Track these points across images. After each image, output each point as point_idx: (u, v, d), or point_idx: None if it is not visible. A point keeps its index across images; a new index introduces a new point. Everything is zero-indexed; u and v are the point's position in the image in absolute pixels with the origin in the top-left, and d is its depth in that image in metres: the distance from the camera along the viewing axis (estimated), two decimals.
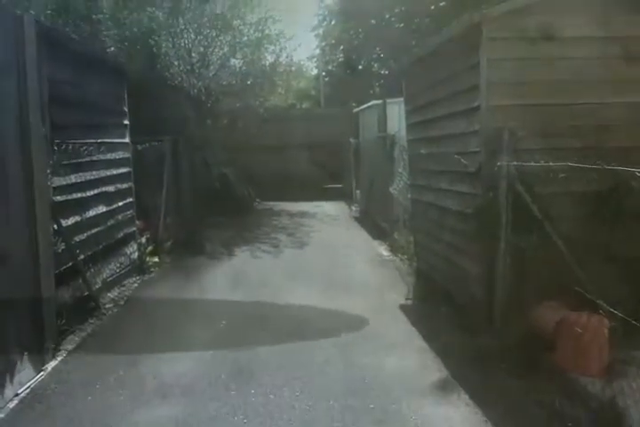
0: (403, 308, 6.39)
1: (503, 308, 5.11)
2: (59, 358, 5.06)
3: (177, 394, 4.39)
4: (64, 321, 5.42)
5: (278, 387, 4.45)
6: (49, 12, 10.81)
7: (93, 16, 11.91)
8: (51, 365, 4.92)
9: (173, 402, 4.27)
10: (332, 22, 22.88)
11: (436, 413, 4.09)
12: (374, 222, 11.76)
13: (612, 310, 3.92)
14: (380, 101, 11.94)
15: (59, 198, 5.65)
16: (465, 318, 5.68)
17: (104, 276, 6.80)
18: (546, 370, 4.42)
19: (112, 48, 12.53)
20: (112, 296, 6.82)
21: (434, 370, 4.73)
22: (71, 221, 5.98)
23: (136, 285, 7.59)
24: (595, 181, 4.63)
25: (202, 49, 14.09)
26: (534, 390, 4.22)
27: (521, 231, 5.01)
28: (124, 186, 7.81)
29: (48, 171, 5.33)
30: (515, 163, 4.99)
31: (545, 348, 4.56)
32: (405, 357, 5.05)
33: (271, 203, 16.67)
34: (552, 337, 4.56)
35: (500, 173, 5.05)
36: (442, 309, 6.13)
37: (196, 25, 13.75)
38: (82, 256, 6.13)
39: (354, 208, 15.16)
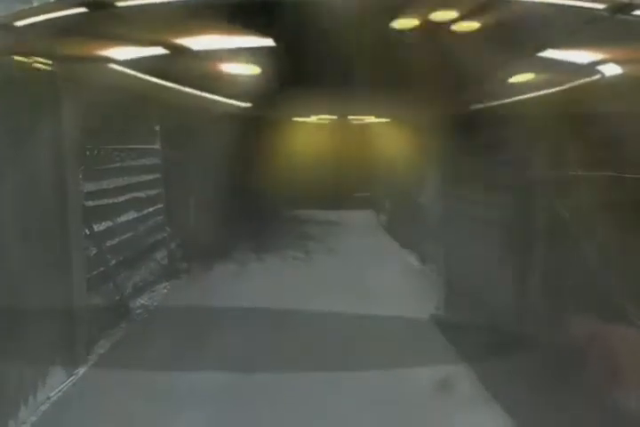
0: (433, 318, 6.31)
1: (536, 319, 5.01)
2: (90, 363, 5.09)
3: (206, 400, 4.37)
4: (95, 326, 5.45)
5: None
6: None
7: None
8: (82, 369, 4.94)
9: (202, 407, 4.25)
10: None
11: None
12: (404, 231, 11.65)
13: None
14: None
15: (90, 204, 5.71)
16: (496, 330, 5.56)
17: (134, 281, 6.84)
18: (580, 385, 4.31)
19: None
20: (142, 302, 6.85)
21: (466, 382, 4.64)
22: (103, 226, 6.03)
23: (165, 290, 7.61)
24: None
25: None
26: (566, 405, 4.11)
27: (555, 242, 4.92)
28: (154, 192, 7.87)
29: (80, 176, 5.39)
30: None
31: (578, 361, 4.45)
32: (439, 372, 4.96)
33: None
34: (586, 351, 4.44)
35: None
36: (473, 320, 6.02)
37: None
38: (113, 261, 6.18)
39: (382, 217, 15.06)
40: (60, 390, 4.51)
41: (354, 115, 9.59)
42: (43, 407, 4.26)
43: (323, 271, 9.04)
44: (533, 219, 5.03)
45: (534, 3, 1.93)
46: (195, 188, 9.87)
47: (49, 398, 4.38)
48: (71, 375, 4.78)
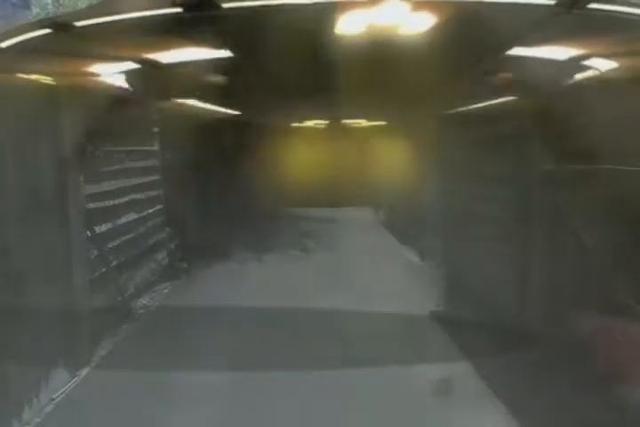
0: (434, 314, 6.34)
1: (537, 315, 5.03)
2: (92, 364, 5.11)
3: (207, 400, 4.40)
4: (97, 327, 5.48)
5: None
6: None
7: None
8: (85, 370, 4.97)
9: (204, 407, 4.28)
10: None
11: None
12: (402, 228, 11.67)
13: None
14: None
15: (91, 206, 5.72)
16: (497, 326, 5.59)
17: (135, 282, 6.86)
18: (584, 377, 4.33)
19: None
20: (143, 302, 6.88)
21: (467, 379, 4.67)
22: (104, 227, 6.05)
23: (166, 290, 7.64)
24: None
25: None
26: (572, 398, 4.14)
27: (555, 237, 4.93)
28: (154, 193, 7.88)
29: (81, 178, 5.40)
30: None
31: (582, 355, 4.48)
32: (440, 369, 4.99)
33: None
34: (589, 344, 4.47)
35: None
36: (474, 315, 6.05)
37: None
38: (114, 262, 6.20)
39: (381, 214, 15.08)
40: (63, 392, 4.55)
41: (345, 119, 9.61)
42: (47, 409, 4.29)
43: (322, 269, 9.06)
44: (534, 214, 5.05)
45: (485, 3, 1.94)
46: (194, 188, 9.88)
47: (52, 399, 4.42)
48: (74, 376, 4.81)
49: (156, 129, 8.03)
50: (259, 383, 4.68)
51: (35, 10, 3.43)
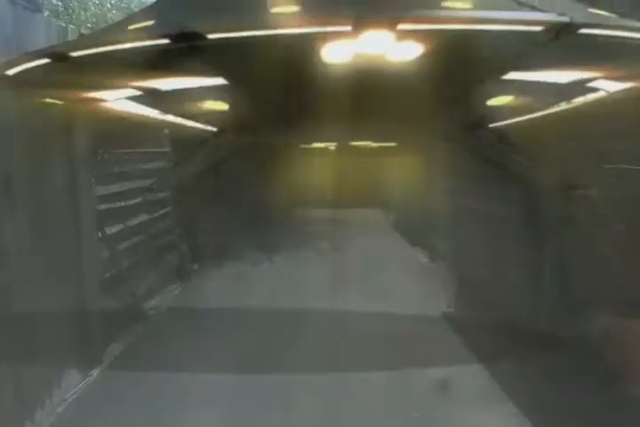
0: (445, 316, 6.31)
1: (549, 316, 5.00)
2: (104, 364, 5.14)
3: (218, 401, 4.40)
4: (108, 328, 5.50)
5: None
6: (89, 25, 11.09)
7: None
8: (96, 370, 4.99)
9: (215, 408, 4.29)
10: None
11: None
12: (413, 229, 11.65)
13: None
14: None
15: (102, 207, 5.75)
16: (509, 327, 5.56)
17: (146, 283, 6.89)
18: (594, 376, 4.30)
19: None
20: (154, 303, 6.90)
21: (479, 381, 4.65)
22: (115, 228, 6.08)
23: (177, 291, 7.66)
24: None
25: None
26: (586, 398, 4.11)
27: (568, 237, 4.90)
28: (164, 195, 7.91)
29: (92, 180, 5.44)
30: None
31: (593, 355, 4.44)
32: (451, 370, 4.97)
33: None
34: (600, 344, 4.44)
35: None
36: (486, 317, 6.02)
37: None
38: (125, 263, 6.23)
39: (391, 215, 15.07)
40: (75, 392, 4.57)
41: (352, 141, 9.73)
42: (59, 409, 4.31)
43: (333, 270, 9.04)
44: (546, 214, 5.03)
45: (472, 31, 1.92)
46: (205, 190, 9.90)
47: (65, 399, 4.44)
48: (86, 377, 4.83)
49: (166, 131, 8.06)
50: (271, 385, 4.68)
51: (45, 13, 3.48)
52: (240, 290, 7.71)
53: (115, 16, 11.49)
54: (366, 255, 10.16)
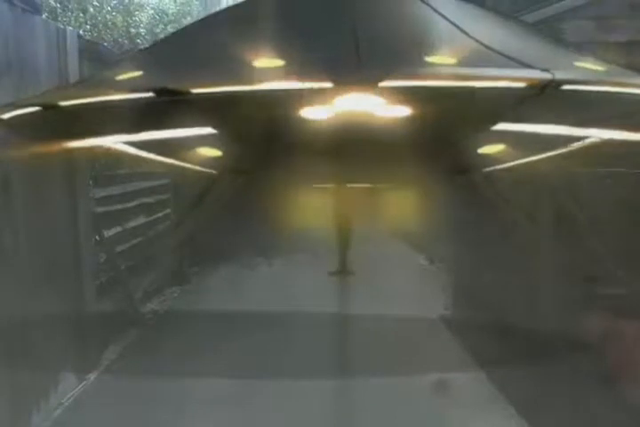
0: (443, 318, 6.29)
1: (547, 318, 4.98)
2: (101, 368, 5.11)
3: (216, 406, 4.37)
4: (106, 331, 5.48)
5: None
6: (88, 27, 11.07)
7: (132, 30, 12.13)
8: (93, 374, 4.97)
9: (212, 413, 4.26)
10: None
11: None
12: (412, 232, 11.63)
13: None
14: None
15: (100, 210, 5.73)
16: (507, 330, 5.54)
17: (144, 286, 6.87)
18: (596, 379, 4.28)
19: None
20: (152, 306, 6.88)
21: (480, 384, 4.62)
22: (112, 231, 6.06)
23: (175, 295, 7.64)
24: None
25: None
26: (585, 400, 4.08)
27: (566, 240, 4.89)
28: (163, 197, 7.90)
29: (90, 182, 5.42)
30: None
31: (592, 356, 4.42)
32: (448, 371, 4.94)
33: None
34: (599, 346, 4.41)
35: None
36: (483, 319, 6.00)
37: None
38: (123, 266, 6.21)
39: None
40: (71, 396, 4.54)
41: (349, 183, 9.71)
42: (55, 413, 4.28)
43: (332, 273, 9.01)
44: (544, 217, 5.02)
45: (455, 88, 1.92)
46: (202, 192, 9.86)
47: (61, 403, 4.41)
48: (83, 381, 4.81)
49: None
50: (270, 389, 4.66)
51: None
52: (239, 293, 7.68)
53: (113, 18, 11.50)
54: (365, 258, 10.16)
